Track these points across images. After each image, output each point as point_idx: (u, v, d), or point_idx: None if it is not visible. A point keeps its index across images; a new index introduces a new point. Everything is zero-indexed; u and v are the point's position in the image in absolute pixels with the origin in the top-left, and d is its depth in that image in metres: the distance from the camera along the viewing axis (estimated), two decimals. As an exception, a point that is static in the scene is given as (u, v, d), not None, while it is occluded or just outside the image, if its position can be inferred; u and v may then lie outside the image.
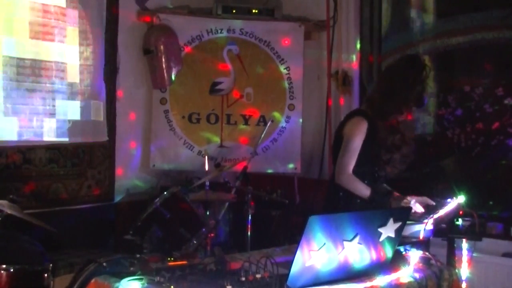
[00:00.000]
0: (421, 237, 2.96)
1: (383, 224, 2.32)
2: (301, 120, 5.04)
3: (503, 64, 4.46)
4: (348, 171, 3.16)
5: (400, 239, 2.48)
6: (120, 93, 4.77)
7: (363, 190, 3.15)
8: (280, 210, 4.76)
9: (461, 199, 3.33)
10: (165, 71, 4.68)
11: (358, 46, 4.86)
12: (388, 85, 3.25)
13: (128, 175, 4.87)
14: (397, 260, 2.53)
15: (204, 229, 3.85)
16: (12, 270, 2.97)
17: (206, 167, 4.28)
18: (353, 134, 3.19)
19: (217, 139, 4.99)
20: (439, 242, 3.38)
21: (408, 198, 3.14)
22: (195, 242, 3.75)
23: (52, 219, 3.85)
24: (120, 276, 2.24)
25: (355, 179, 3.16)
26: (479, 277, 3.77)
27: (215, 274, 2.26)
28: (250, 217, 3.91)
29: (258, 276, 2.17)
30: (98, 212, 4.62)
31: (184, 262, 2.32)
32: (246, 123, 5.04)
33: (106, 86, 4.61)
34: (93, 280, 2.31)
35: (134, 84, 4.88)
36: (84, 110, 4.45)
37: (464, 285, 3.31)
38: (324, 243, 2.16)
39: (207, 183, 4.06)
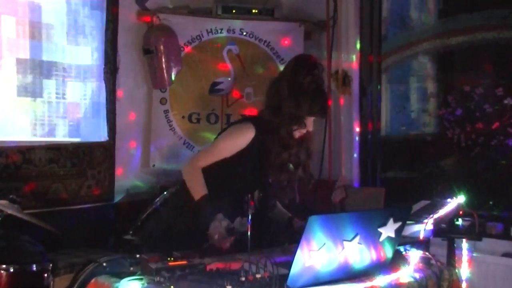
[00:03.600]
0: (421, 237, 2.97)
1: (383, 224, 2.32)
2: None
3: (503, 64, 4.47)
4: (196, 163, 2.84)
5: (400, 239, 2.48)
6: (120, 93, 4.77)
7: (198, 188, 2.79)
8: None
9: (461, 199, 3.34)
10: (165, 71, 4.68)
11: (358, 46, 4.86)
12: (274, 96, 2.89)
13: (128, 175, 4.86)
14: (397, 260, 2.53)
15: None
16: (12, 270, 2.97)
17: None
18: (229, 135, 2.89)
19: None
20: (439, 242, 3.39)
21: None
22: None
23: (52, 219, 3.85)
24: (120, 276, 2.24)
25: (199, 173, 2.81)
26: (479, 277, 3.77)
27: (215, 274, 2.26)
28: (250, 217, 3.91)
29: (258, 276, 2.17)
30: (98, 212, 4.61)
31: (184, 262, 2.32)
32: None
33: (106, 86, 4.61)
34: (93, 280, 2.31)
35: (134, 84, 4.88)
36: (84, 110, 4.45)
37: (464, 285, 3.32)
38: (324, 243, 2.16)
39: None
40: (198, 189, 2.82)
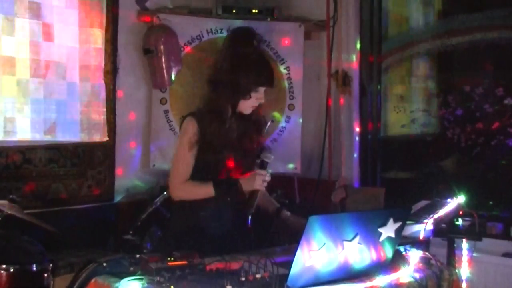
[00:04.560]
0: (421, 237, 2.97)
1: (383, 224, 2.32)
2: (301, 120, 5.04)
3: (503, 64, 4.47)
4: (178, 182, 2.83)
5: (400, 239, 2.48)
6: (120, 93, 4.77)
7: (203, 188, 2.81)
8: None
9: (461, 199, 3.34)
10: (165, 71, 4.68)
11: (358, 46, 4.86)
12: (214, 71, 2.89)
13: (128, 175, 4.86)
14: (397, 260, 2.53)
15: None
16: (12, 270, 2.97)
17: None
18: (179, 140, 2.86)
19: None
20: (439, 242, 3.39)
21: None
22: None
23: (52, 219, 3.85)
24: (120, 276, 2.24)
25: (188, 184, 2.82)
26: (479, 277, 3.77)
27: (215, 274, 2.26)
28: (250, 217, 3.91)
29: (258, 276, 2.17)
30: (98, 212, 4.62)
31: (184, 262, 2.32)
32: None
33: (106, 86, 4.61)
34: (93, 280, 2.31)
35: (134, 84, 4.88)
36: (84, 110, 4.45)
37: (464, 285, 3.31)
38: (324, 243, 2.16)
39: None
40: (204, 190, 2.82)
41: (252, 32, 2.90)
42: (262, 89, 2.87)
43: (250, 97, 2.84)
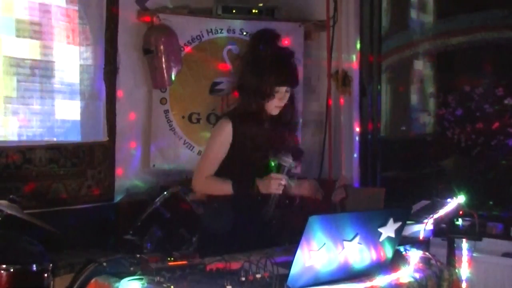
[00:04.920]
0: (421, 237, 2.96)
1: (383, 224, 2.32)
2: (301, 120, 5.03)
3: (503, 64, 4.47)
4: (202, 176, 2.96)
5: (400, 239, 2.48)
6: (120, 93, 4.77)
7: (223, 185, 2.89)
8: (280, 210, 4.75)
9: (461, 199, 3.34)
10: (165, 71, 4.68)
11: (358, 46, 4.86)
12: (239, 76, 3.00)
13: (128, 175, 4.86)
14: (397, 260, 2.53)
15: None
16: (12, 270, 2.97)
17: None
18: (212, 138, 2.99)
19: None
20: (439, 242, 3.39)
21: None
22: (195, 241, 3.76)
23: (52, 219, 3.84)
24: (120, 276, 2.24)
25: (210, 179, 2.93)
26: (479, 277, 3.78)
27: (215, 274, 2.26)
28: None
29: (258, 276, 2.17)
30: (98, 212, 4.62)
31: (184, 262, 2.32)
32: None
33: (106, 86, 4.61)
34: (93, 280, 2.31)
35: (134, 84, 4.88)
36: (84, 110, 4.45)
37: (464, 285, 3.32)
38: (324, 243, 2.16)
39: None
40: (223, 187, 2.91)
41: (271, 33, 2.96)
42: (283, 89, 2.90)
43: (274, 97, 2.89)
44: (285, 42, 5.01)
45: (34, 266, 3.03)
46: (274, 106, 2.92)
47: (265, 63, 2.86)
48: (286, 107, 2.98)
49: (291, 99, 3.00)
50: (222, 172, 2.97)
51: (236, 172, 2.92)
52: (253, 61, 2.91)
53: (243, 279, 2.15)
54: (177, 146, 4.91)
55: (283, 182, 2.87)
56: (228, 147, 2.92)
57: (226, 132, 2.91)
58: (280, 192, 2.90)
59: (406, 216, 2.48)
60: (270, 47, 2.91)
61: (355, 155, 4.82)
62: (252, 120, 2.90)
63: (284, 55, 2.96)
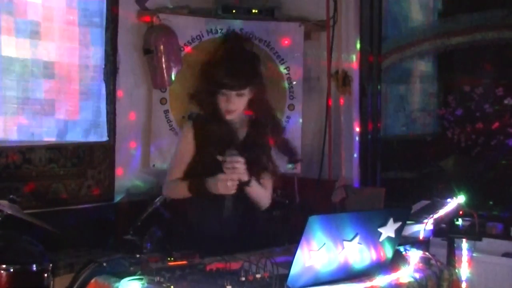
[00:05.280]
0: (421, 237, 2.97)
1: (383, 224, 2.32)
2: (301, 120, 5.04)
3: (503, 64, 4.47)
4: (168, 180, 2.91)
5: (400, 239, 2.48)
6: (120, 93, 4.77)
7: (181, 187, 2.83)
8: (280, 210, 4.76)
9: (461, 199, 3.34)
10: (165, 71, 4.68)
11: (358, 46, 4.86)
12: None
13: (128, 175, 4.86)
14: (397, 260, 2.53)
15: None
16: (12, 270, 2.97)
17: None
18: (177, 142, 2.96)
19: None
20: (439, 242, 3.39)
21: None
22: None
23: (52, 219, 3.85)
24: (120, 276, 2.24)
25: (173, 182, 2.87)
26: (479, 277, 3.78)
27: (215, 274, 2.26)
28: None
29: (258, 276, 2.17)
30: (98, 212, 4.62)
31: (184, 262, 2.32)
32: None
33: (106, 86, 4.61)
34: (93, 280, 2.31)
35: (134, 84, 4.88)
36: (84, 110, 4.45)
37: (464, 285, 3.32)
38: (324, 243, 2.16)
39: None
40: (181, 189, 2.84)
41: (235, 35, 2.93)
42: (229, 93, 2.77)
43: (217, 100, 2.79)
44: (285, 42, 5.02)
45: (34, 266, 3.04)
46: (223, 109, 2.80)
47: (213, 63, 2.79)
48: (255, 109, 2.87)
49: (258, 102, 2.87)
50: (189, 174, 2.89)
51: (199, 173, 2.83)
52: (206, 62, 2.86)
53: (243, 279, 2.15)
54: (177, 146, 4.90)
55: (230, 184, 2.71)
56: (191, 149, 2.85)
57: (187, 134, 2.87)
58: (232, 192, 2.75)
59: (406, 216, 2.48)
60: (225, 48, 2.81)
61: (355, 155, 4.82)
62: (211, 121, 2.82)
63: (238, 56, 2.81)
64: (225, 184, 2.71)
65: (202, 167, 2.82)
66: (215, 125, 2.82)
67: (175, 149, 2.96)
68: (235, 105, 2.79)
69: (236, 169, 2.71)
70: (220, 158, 2.71)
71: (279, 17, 5.03)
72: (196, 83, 2.89)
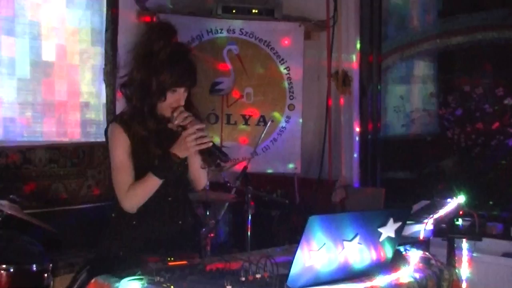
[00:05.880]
0: (421, 237, 2.96)
1: (383, 224, 2.32)
2: (301, 120, 5.04)
3: (503, 64, 4.47)
4: (123, 191, 2.65)
5: (400, 239, 2.48)
6: (120, 93, 4.75)
7: (146, 183, 2.57)
8: (280, 210, 4.76)
9: (461, 199, 3.34)
10: (165, 71, 4.67)
11: (358, 46, 4.86)
12: (128, 69, 2.62)
13: (128, 175, 4.85)
14: (397, 260, 2.53)
15: (204, 229, 3.85)
16: (12, 270, 2.97)
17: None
18: (110, 149, 2.63)
19: (217, 139, 4.99)
20: (439, 242, 3.39)
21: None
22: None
23: (52, 219, 3.85)
24: (120, 276, 2.24)
25: (132, 187, 2.62)
26: (479, 277, 3.77)
27: (215, 274, 2.26)
28: (250, 217, 3.91)
29: (258, 276, 2.17)
30: (98, 212, 4.61)
31: (184, 262, 2.32)
32: (246, 123, 5.03)
33: (106, 86, 4.61)
34: (93, 280, 2.30)
35: (134, 84, 4.87)
36: (84, 110, 4.45)
37: (464, 285, 3.32)
38: (324, 243, 2.16)
39: (207, 183, 4.05)
40: (147, 182, 2.59)
41: (169, 27, 2.69)
42: (180, 90, 2.59)
43: (165, 99, 2.56)
44: (285, 42, 5.02)
45: (34, 266, 3.04)
46: (168, 107, 2.57)
47: (160, 60, 2.55)
48: (189, 102, 2.67)
49: (188, 98, 2.67)
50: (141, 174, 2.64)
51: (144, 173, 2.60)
52: (146, 56, 2.57)
53: (243, 279, 2.15)
54: (177, 146, 4.90)
55: (199, 134, 2.51)
56: (129, 149, 2.60)
57: (121, 138, 2.59)
58: (201, 147, 2.54)
59: (406, 216, 2.48)
60: (167, 42, 2.60)
61: (355, 155, 4.83)
62: (143, 121, 2.58)
63: (182, 51, 2.66)
64: (192, 138, 2.51)
65: (147, 167, 2.60)
66: (154, 121, 2.60)
67: (111, 158, 2.65)
68: (183, 101, 2.63)
69: (190, 118, 2.54)
70: (171, 124, 2.55)
71: (279, 17, 5.03)
72: (132, 77, 2.60)
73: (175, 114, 2.55)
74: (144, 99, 2.56)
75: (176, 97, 2.59)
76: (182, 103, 2.61)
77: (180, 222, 2.72)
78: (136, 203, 2.63)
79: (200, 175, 2.78)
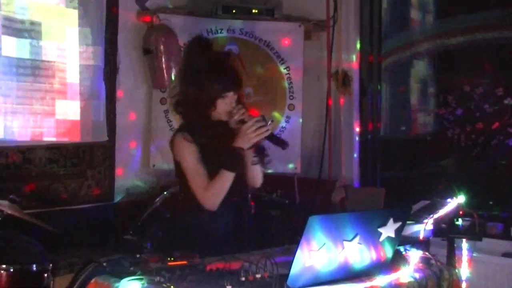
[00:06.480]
0: (421, 237, 2.97)
1: (383, 224, 2.32)
2: (301, 120, 5.04)
3: (503, 64, 4.47)
4: (202, 191, 2.80)
5: (400, 239, 2.48)
6: (120, 93, 4.77)
7: (220, 180, 2.78)
8: (280, 210, 4.76)
9: (461, 199, 3.34)
10: (165, 71, 4.68)
11: (358, 46, 4.86)
12: (180, 87, 2.90)
13: (128, 175, 4.86)
14: (397, 260, 2.53)
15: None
16: (12, 270, 2.97)
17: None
18: (182, 157, 2.85)
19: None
20: (439, 242, 3.39)
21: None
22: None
23: (52, 219, 3.85)
24: (120, 276, 2.24)
25: (210, 187, 2.79)
26: (479, 277, 3.78)
27: (215, 274, 2.26)
28: (250, 217, 3.91)
29: (258, 276, 2.17)
30: (98, 212, 4.61)
31: (184, 262, 2.32)
32: (246, 123, 5.02)
33: (106, 86, 4.61)
34: (93, 280, 2.31)
35: (134, 84, 4.88)
36: (84, 110, 4.45)
37: (464, 285, 3.32)
38: (324, 243, 2.16)
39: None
40: (222, 179, 2.79)
41: (203, 40, 2.92)
42: (229, 94, 2.83)
43: (215, 108, 2.82)
44: (285, 42, 5.02)
45: (34, 266, 3.04)
46: (223, 113, 2.84)
47: (202, 72, 2.79)
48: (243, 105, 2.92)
49: (241, 97, 2.94)
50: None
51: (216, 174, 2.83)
52: (190, 73, 2.83)
53: (243, 279, 2.15)
54: (177, 146, 4.90)
55: (258, 125, 2.76)
56: (198, 155, 2.81)
57: (187, 144, 2.81)
58: (265, 131, 2.78)
59: (406, 216, 2.48)
60: (205, 55, 2.84)
61: (355, 155, 4.82)
62: (210, 127, 2.83)
63: (221, 59, 2.90)
64: (252, 129, 2.75)
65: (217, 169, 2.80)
66: (216, 129, 2.84)
67: (184, 164, 2.85)
68: (234, 104, 2.86)
69: (247, 113, 2.82)
70: (232, 120, 2.80)
71: (279, 17, 5.03)
72: (182, 94, 2.86)
73: (234, 111, 2.81)
74: (197, 112, 2.81)
75: (226, 102, 2.83)
76: (233, 105, 2.85)
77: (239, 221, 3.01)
78: (216, 200, 2.80)
79: (257, 173, 3.04)
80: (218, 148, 2.80)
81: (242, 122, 2.79)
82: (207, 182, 2.80)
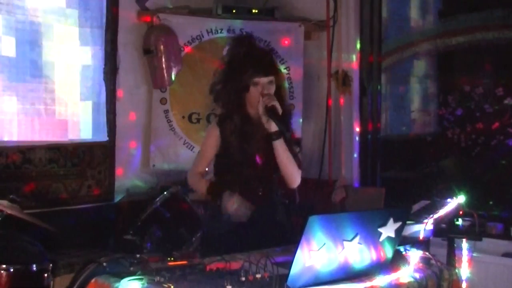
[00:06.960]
0: (421, 237, 2.96)
1: (383, 224, 2.32)
2: (301, 120, 5.04)
3: (503, 64, 4.48)
4: (194, 170, 3.18)
5: (400, 239, 2.48)
6: (120, 93, 4.77)
7: (202, 186, 3.15)
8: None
9: (461, 199, 3.34)
10: (165, 71, 4.68)
11: (358, 46, 4.86)
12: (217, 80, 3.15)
13: (128, 175, 4.86)
14: (397, 260, 2.53)
15: (204, 229, 3.85)
16: (12, 270, 2.97)
17: (206, 167, 4.27)
18: (204, 140, 3.22)
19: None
20: (439, 242, 3.39)
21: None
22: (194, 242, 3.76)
23: (52, 219, 3.84)
24: (120, 276, 2.24)
25: (194, 175, 3.18)
26: (479, 277, 3.77)
27: (215, 274, 2.26)
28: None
29: (258, 276, 2.17)
30: (98, 212, 4.61)
31: (184, 262, 2.32)
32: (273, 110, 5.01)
33: (106, 86, 4.61)
34: (93, 280, 2.31)
35: (134, 84, 4.88)
36: (84, 110, 4.45)
37: (464, 285, 3.32)
38: (324, 243, 2.16)
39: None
40: (201, 186, 3.15)
41: (247, 36, 3.15)
42: (260, 80, 2.98)
43: (248, 91, 2.98)
44: (285, 42, 5.02)
45: (34, 266, 3.03)
46: (254, 100, 2.98)
47: (239, 60, 3.01)
48: (281, 96, 3.08)
49: (282, 89, 3.13)
50: (219, 168, 3.15)
51: (231, 168, 3.08)
52: (228, 62, 3.07)
53: (243, 279, 2.15)
54: (177, 146, 4.90)
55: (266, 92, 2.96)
56: (216, 146, 3.09)
57: (213, 137, 3.10)
58: (274, 101, 2.94)
59: (406, 216, 2.48)
60: (245, 47, 3.05)
61: (355, 155, 4.82)
62: (236, 120, 3.02)
63: (257, 50, 3.12)
64: (266, 95, 2.92)
65: (233, 163, 3.04)
66: (245, 121, 3.01)
67: (201, 145, 3.25)
68: (269, 91, 2.98)
69: (275, 100, 2.94)
70: (259, 106, 2.93)
71: (279, 17, 5.03)
72: (219, 85, 3.09)
73: (262, 97, 2.94)
74: (232, 98, 3.00)
75: (258, 89, 2.97)
76: (266, 91, 2.97)
77: None
78: (191, 186, 3.27)
79: (292, 171, 3.29)
80: (246, 136, 2.99)
81: (268, 109, 2.91)
82: (203, 168, 3.17)
